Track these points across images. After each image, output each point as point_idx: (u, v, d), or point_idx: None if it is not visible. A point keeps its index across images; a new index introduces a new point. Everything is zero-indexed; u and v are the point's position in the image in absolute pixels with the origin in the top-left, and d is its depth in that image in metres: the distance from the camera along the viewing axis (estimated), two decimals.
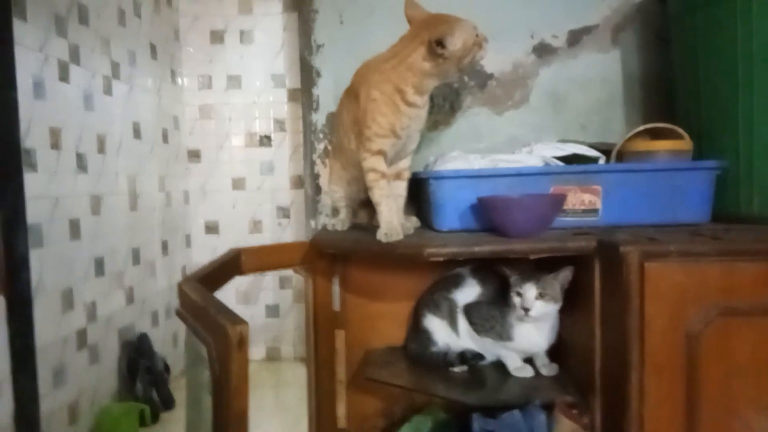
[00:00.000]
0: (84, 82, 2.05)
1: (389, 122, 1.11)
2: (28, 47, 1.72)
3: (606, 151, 1.25)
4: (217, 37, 2.93)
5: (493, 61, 1.51)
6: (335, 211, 1.38)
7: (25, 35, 1.69)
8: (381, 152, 1.13)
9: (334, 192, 1.35)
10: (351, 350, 1.43)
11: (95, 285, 2.10)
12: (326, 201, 1.55)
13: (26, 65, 1.70)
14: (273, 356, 3.03)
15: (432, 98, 1.47)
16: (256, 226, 2.98)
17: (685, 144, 1.19)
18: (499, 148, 1.48)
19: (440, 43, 1.04)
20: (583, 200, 1.14)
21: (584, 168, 1.14)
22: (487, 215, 1.11)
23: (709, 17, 1.17)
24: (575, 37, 1.50)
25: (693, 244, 0.91)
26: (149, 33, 2.60)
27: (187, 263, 2.94)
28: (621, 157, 1.23)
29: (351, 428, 1.43)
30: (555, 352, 1.21)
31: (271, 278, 2.99)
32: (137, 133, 2.46)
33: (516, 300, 1.13)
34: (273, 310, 3.02)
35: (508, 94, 1.52)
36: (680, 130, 1.20)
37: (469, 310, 1.24)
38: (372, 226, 1.30)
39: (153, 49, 2.64)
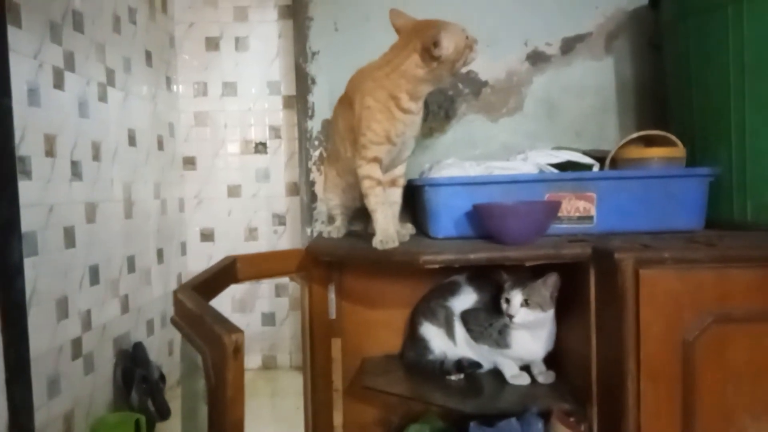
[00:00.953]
0: (79, 89, 2.04)
1: (384, 129, 1.11)
2: (23, 54, 1.72)
3: (600, 158, 1.26)
4: (212, 44, 2.94)
5: (487, 69, 1.52)
6: (331, 219, 1.38)
7: (19, 42, 1.69)
8: (376, 159, 1.13)
9: (330, 200, 1.35)
10: (347, 358, 1.42)
11: (90, 293, 2.09)
12: (322, 208, 1.55)
13: (21, 72, 1.70)
14: (269, 365, 3.02)
15: (427, 105, 1.48)
16: (251, 233, 2.98)
17: (679, 151, 1.19)
18: (493, 155, 1.48)
19: (435, 46, 1.04)
20: (577, 207, 1.14)
21: (578, 175, 1.15)
22: (482, 222, 1.12)
23: (700, 25, 1.18)
24: (569, 45, 1.51)
25: (687, 251, 0.92)
26: (144, 40, 2.60)
27: (182, 271, 2.93)
28: (615, 164, 1.23)
29: None
30: (552, 360, 1.21)
31: (267, 286, 2.99)
32: (132, 140, 2.46)
33: (504, 306, 1.13)
34: (269, 319, 3.01)
35: (502, 101, 1.53)
36: (673, 138, 1.21)
37: (466, 316, 1.24)
38: (368, 234, 1.30)
39: (148, 56, 2.64)
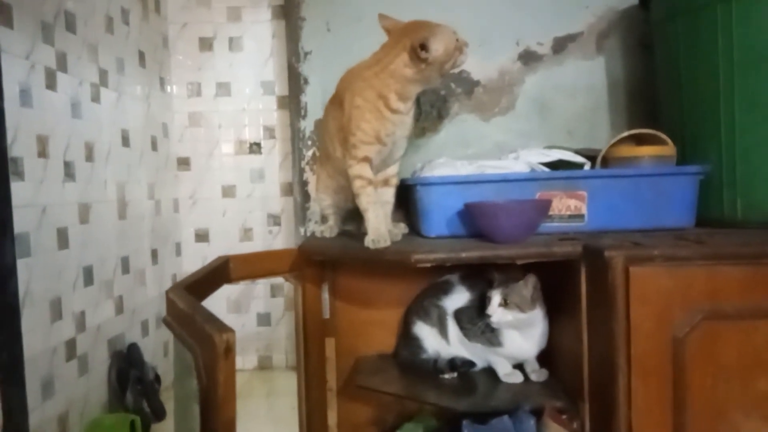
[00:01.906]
0: (71, 89, 2.04)
1: (373, 129, 1.11)
2: (15, 55, 1.71)
3: (591, 156, 1.27)
4: (206, 44, 2.93)
5: (479, 69, 1.52)
6: (324, 218, 1.38)
7: (11, 43, 1.68)
8: (366, 159, 1.13)
9: (322, 200, 1.35)
10: (341, 358, 1.43)
11: (84, 294, 2.08)
12: (315, 208, 1.55)
13: (13, 73, 1.69)
14: (265, 365, 3.01)
15: (419, 105, 1.48)
16: (246, 233, 2.97)
17: (669, 149, 1.20)
18: (486, 154, 1.49)
19: (423, 48, 1.04)
20: (569, 206, 1.14)
21: (569, 174, 1.15)
22: (474, 221, 1.12)
23: (690, 24, 1.19)
24: (560, 44, 1.51)
25: (677, 249, 0.92)
26: (137, 40, 2.59)
27: (177, 272, 2.92)
28: (606, 162, 1.24)
29: None
30: (545, 358, 1.22)
31: (262, 286, 2.98)
32: (126, 140, 2.45)
33: (487, 305, 1.14)
34: (264, 319, 3.00)
35: (494, 100, 1.53)
36: (664, 136, 1.22)
37: (460, 315, 1.25)
38: (361, 233, 1.31)
39: (141, 56, 2.63)
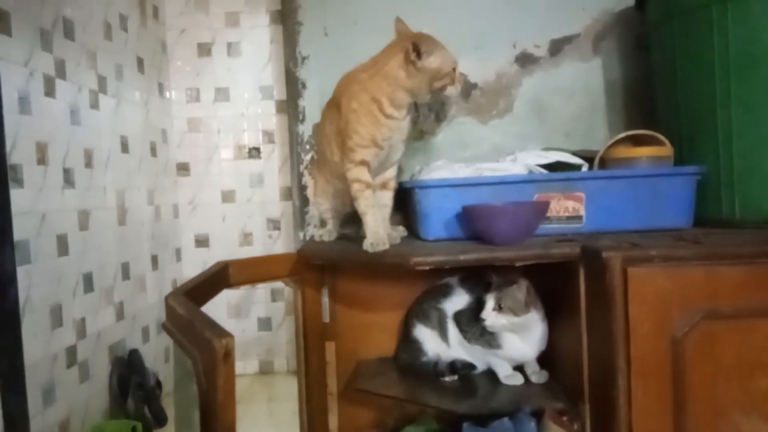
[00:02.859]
0: (70, 96, 2.04)
1: (369, 133, 1.12)
2: (13, 62, 1.72)
3: (589, 158, 1.27)
4: (204, 49, 2.94)
5: (476, 71, 1.53)
6: (323, 222, 1.39)
7: (10, 50, 1.69)
8: (364, 162, 1.14)
9: (320, 204, 1.35)
10: (342, 362, 1.43)
11: (84, 301, 2.09)
12: (314, 212, 1.55)
13: (11, 80, 1.69)
14: (266, 370, 3.01)
15: (417, 109, 1.48)
16: (246, 238, 2.97)
17: (666, 150, 1.20)
18: (484, 156, 1.49)
19: (417, 52, 1.05)
20: (566, 207, 1.15)
21: (567, 175, 1.16)
22: (472, 223, 1.12)
23: (686, 25, 1.19)
24: (557, 47, 1.52)
25: (675, 249, 0.92)
26: (136, 46, 2.60)
27: (177, 277, 2.92)
28: (604, 163, 1.24)
29: None
30: (546, 360, 1.22)
31: (262, 291, 2.98)
32: (125, 147, 2.46)
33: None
34: (265, 323, 3.00)
35: (492, 103, 1.54)
36: (661, 137, 1.22)
37: (459, 317, 1.25)
38: (359, 237, 1.31)
39: (140, 62, 2.63)
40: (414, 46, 1.05)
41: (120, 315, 2.37)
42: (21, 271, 1.69)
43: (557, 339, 1.18)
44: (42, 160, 1.85)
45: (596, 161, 1.24)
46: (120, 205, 2.39)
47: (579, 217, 1.15)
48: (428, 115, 1.54)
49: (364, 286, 1.44)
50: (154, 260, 2.69)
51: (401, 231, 1.29)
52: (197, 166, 2.95)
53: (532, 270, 1.10)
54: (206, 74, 2.93)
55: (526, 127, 1.53)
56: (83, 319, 2.08)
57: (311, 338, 1.37)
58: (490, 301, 1.13)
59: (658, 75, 1.33)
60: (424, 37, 1.09)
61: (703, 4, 1.15)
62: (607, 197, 1.15)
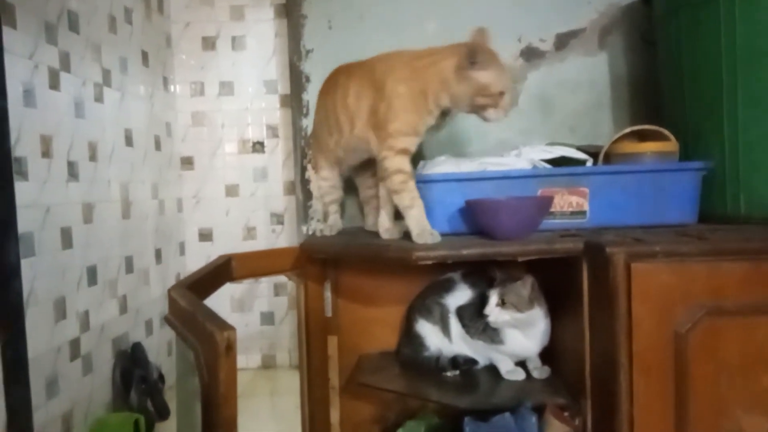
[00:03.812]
0: (74, 89, 2.04)
1: (414, 121, 1.09)
2: (18, 55, 1.72)
3: (594, 153, 1.26)
4: (209, 43, 2.93)
5: None
6: (325, 216, 1.38)
7: (14, 43, 1.69)
8: (406, 151, 1.11)
9: (324, 182, 1.34)
10: (344, 356, 1.43)
11: (88, 294, 2.09)
12: (317, 206, 1.55)
13: (16, 73, 1.70)
14: (269, 364, 3.02)
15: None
16: (249, 232, 2.98)
17: (671, 145, 1.19)
18: (488, 151, 1.48)
19: (473, 60, 1.03)
20: (570, 202, 1.14)
21: (571, 170, 1.15)
22: (475, 218, 1.12)
23: (692, 19, 1.18)
24: (562, 41, 1.51)
25: (679, 245, 0.92)
26: (141, 40, 2.60)
27: (181, 271, 2.93)
28: (608, 159, 1.24)
29: None
30: (548, 355, 1.22)
31: (265, 285, 2.99)
32: (129, 140, 2.46)
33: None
34: (268, 318, 3.01)
35: None
36: (666, 132, 1.21)
37: (462, 312, 1.25)
38: (365, 231, 1.31)
39: (145, 56, 2.64)
40: (470, 54, 1.03)
41: (123, 308, 2.38)
42: (25, 264, 1.70)
43: (560, 334, 1.18)
44: (47, 153, 1.85)
45: (601, 156, 1.23)
46: (124, 198, 2.40)
47: (583, 213, 1.15)
48: None
49: (366, 281, 1.44)
50: (158, 254, 2.70)
51: (404, 225, 1.29)
52: (201, 160, 2.96)
53: (535, 265, 1.09)
54: (211, 68, 2.93)
55: (531, 122, 1.52)
56: (87, 312, 2.08)
57: (313, 332, 1.37)
58: (494, 297, 1.13)
59: (664, 70, 1.32)
60: (486, 50, 1.06)
61: (705, 0, 1.14)
62: (612, 193, 1.14)
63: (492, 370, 1.25)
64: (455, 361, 1.25)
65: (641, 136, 1.23)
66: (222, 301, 2.95)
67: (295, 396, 1.44)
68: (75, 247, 2.01)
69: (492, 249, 1.03)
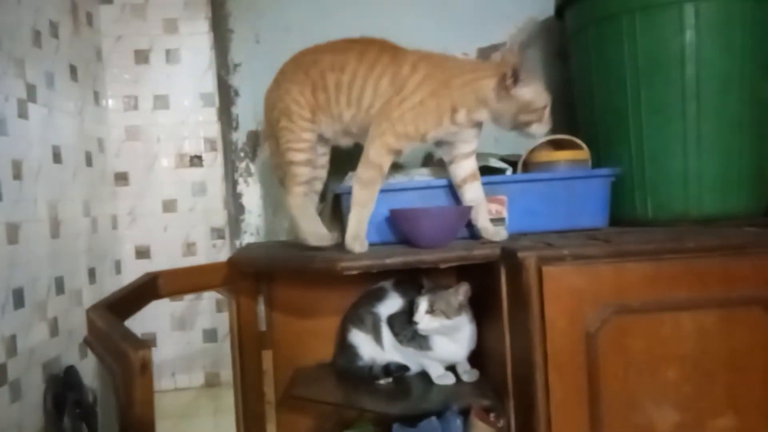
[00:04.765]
0: None
1: (425, 130, 1.09)
2: None
3: (514, 162, 1.31)
4: (142, 56, 2.88)
5: None
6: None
7: None
8: (398, 153, 1.10)
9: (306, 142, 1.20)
10: (281, 370, 1.43)
11: (14, 317, 2.00)
12: (249, 220, 1.54)
13: None
14: (212, 382, 2.96)
15: None
16: (189, 248, 2.92)
17: (584, 154, 1.26)
18: (419, 163, 1.52)
19: (514, 78, 1.05)
20: (490, 210, 1.18)
21: (489, 179, 1.19)
22: (398, 227, 1.14)
23: (599, 34, 1.26)
24: (484, 54, 1.56)
25: (585, 248, 0.97)
26: (69, 54, 2.53)
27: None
28: (527, 167, 1.29)
29: None
30: (477, 359, 1.25)
31: (207, 302, 2.93)
32: (58, 157, 2.38)
33: (414, 312, 1.16)
34: (210, 335, 2.95)
35: None
36: (579, 141, 1.27)
37: (393, 320, 1.27)
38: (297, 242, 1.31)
39: (73, 70, 2.56)
40: (513, 72, 1.04)
41: (54, 331, 2.29)
42: None
43: (486, 338, 1.22)
44: None
45: (519, 165, 1.28)
46: (53, 217, 2.31)
47: (502, 220, 1.19)
48: None
49: (301, 293, 1.44)
50: (92, 273, 2.61)
51: (335, 237, 1.29)
52: (136, 175, 2.89)
53: (463, 271, 1.12)
54: (144, 81, 2.88)
55: None
56: (13, 337, 1.99)
57: (247, 348, 1.36)
58: (423, 304, 1.15)
59: (576, 82, 1.40)
60: (526, 69, 1.07)
61: (614, 13, 1.21)
62: (528, 200, 1.19)
63: (424, 375, 1.27)
64: (388, 369, 1.27)
65: (557, 146, 1.29)
66: (162, 319, 2.88)
67: None
68: None
69: (415, 257, 1.05)
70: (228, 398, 2.77)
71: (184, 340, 2.90)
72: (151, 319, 2.85)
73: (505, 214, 1.19)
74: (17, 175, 2.08)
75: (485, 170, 1.29)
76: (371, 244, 1.20)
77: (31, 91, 2.21)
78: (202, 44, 2.89)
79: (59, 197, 2.37)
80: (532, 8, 1.54)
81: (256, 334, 1.38)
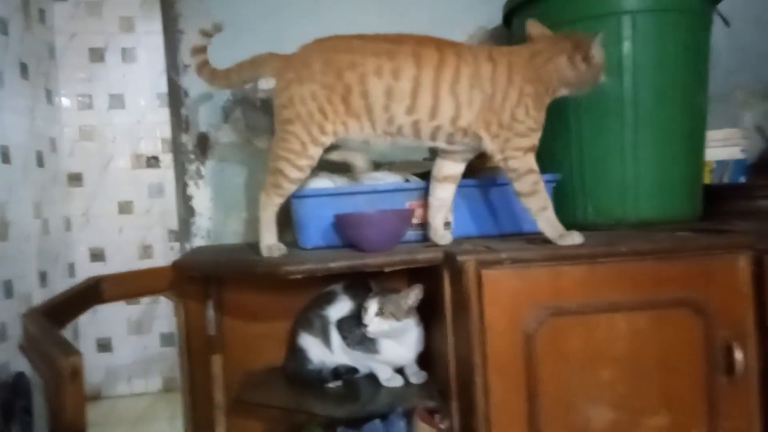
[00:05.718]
0: None
1: (541, 117, 1.09)
2: None
3: None
4: (96, 55, 2.82)
5: None
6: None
7: None
8: (534, 148, 1.09)
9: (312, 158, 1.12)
10: (232, 374, 1.42)
11: None
12: (201, 223, 1.53)
13: None
14: (170, 387, 2.91)
15: None
16: (146, 251, 2.87)
17: None
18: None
19: (585, 50, 1.05)
20: None
21: None
22: (342, 232, 1.15)
23: None
24: None
25: (522, 252, 0.99)
26: (19, 51, 2.46)
27: None
28: (473, 173, 1.31)
29: None
30: (426, 361, 1.26)
31: (164, 305, 2.89)
32: (6, 157, 2.31)
33: (363, 315, 1.17)
34: (168, 339, 2.91)
35: None
36: None
37: (341, 324, 1.27)
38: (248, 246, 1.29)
39: (24, 68, 2.49)
40: (584, 44, 1.05)
41: (3, 336, 2.22)
42: None
43: (432, 340, 1.23)
44: None
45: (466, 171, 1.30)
46: (1, 218, 2.24)
47: (448, 224, 1.21)
48: None
49: (252, 297, 1.44)
50: (43, 277, 2.54)
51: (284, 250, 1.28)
52: (91, 176, 2.83)
53: (411, 275, 1.14)
54: (99, 80, 2.82)
55: None
56: None
57: (195, 352, 1.34)
58: (372, 307, 1.16)
59: None
60: (584, 36, 1.07)
61: (557, 22, 1.24)
62: (473, 205, 1.21)
63: (373, 378, 1.28)
64: (337, 372, 1.28)
65: None
66: (118, 324, 2.82)
67: None
68: None
69: (359, 261, 1.06)
70: None
71: (141, 344, 2.84)
72: (107, 323, 2.79)
73: (450, 218, 1.20)
74: None
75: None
76: (317, 248, 1.21)
77: None
78: (160, 43, 2.83)
79: (7, 198, 2.30)
80: (481, 17, 1.57)
81: (206, 339, 1.37)
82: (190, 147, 1.52)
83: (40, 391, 2.37)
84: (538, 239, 1.10)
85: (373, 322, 1.15)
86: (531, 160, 1.07)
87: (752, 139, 1.66)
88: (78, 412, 0.77)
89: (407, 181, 1.28)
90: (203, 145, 1.53)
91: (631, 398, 1.01)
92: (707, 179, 1.45)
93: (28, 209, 2.46)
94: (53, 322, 0.95)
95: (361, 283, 1.29)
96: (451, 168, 1.16)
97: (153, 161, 2.87)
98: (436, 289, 1.13)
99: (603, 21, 1.19)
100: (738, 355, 0.99)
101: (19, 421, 2.18)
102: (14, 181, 2.36)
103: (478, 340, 0.98)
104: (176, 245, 2.89)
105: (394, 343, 1.20)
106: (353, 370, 1.28)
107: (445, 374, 1.13)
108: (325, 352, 1.30)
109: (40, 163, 2.58)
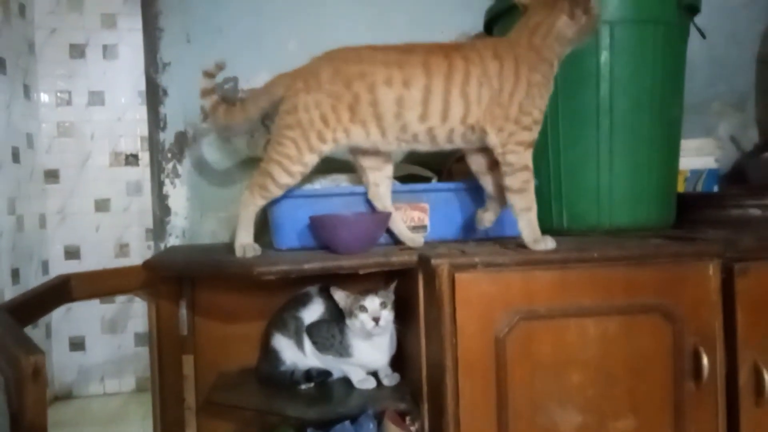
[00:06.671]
0: None
1: (544, 106, 1.07)
2: None
3: (441, 171, 1.34)
4: (77, 51, 2.78)
5: None
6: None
7: None
8: (533, 144, 1.07)
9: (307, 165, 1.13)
10: (204, 375, 1.40)
11: None
12: (176, 222, 1.51)
13: None
14: (143, 387, 2.87)
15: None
16: (122, 249, 2.84)
17: None
18: (349, 169, 1.52)
19: (587, 5, 1.04)
20: (413, 217, 1.20)
21: (411, 187, 1.21)
22: (317, 233, 1.15)
23: None
24: None
25: (496, 256, 1.00)
26: None
27: None
28: (451, 177, 1.32)
29: None
30: (400, 363, 1.26)
31: (140, 305, 2.85)
32: None
33: (362, 315, 1.15)
34: (143, 339, 2.87)
35: None
36: None
37: (311, 329, 1.27)
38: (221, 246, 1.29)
39: (2, 62, 2.45)
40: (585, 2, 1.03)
41: None
42: None
43: (406, 342, 1.23)
44: None
45: (444, 174, 1.31)
46: None
47: (424, 227, 1.21)
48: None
49: (226, 297, 1.42)
50: (15, 274, 2.50)
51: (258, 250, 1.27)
52: (68, 172, 2.78)
53: (389, 277, 1.14)
54: (79, 77, 2.78)
55: None
56: None
57: (167, 352, 1.33)
58: (375, 301, 1.14)
59: None
60: None
61: None
62: (449, 208, 1.22)
63: (346, 380, 1.27)
64: (309, 374, 1.27)
65: None
66: (91, 323, 2.78)
67: None
68: None
69: (333, 263, 1.06)
70: None
71: (115, 343, 2.80)
72: (80, 321, 2.75)
73: (427, 221, 1.21)
74: None
75: (410, 178, 1.31)
76: (292, 249, 1.20)
77: None
78: (141, 41, 2.81)
79: None
80: (463, 23, 1.58)
81: (177, 339, 1.36)
82: (167, 146, 1.51)
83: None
84: (512, 243, 1.10)
85: (383, 315, 1.14)
86: (528, 157, 1.07)
87: (726, 150, 1.69)
88: (39, 412, 0.75)
89: None
90: (181, 144, 1.51)
91: (599, 402, 1.02)
92: (681, 188, 1.48)
93: (2, 205, 2.41)
94: (19, 319, 0.93)
95: (337, 285, 1.29)
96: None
97: (132, 159, 2.84)
98: (411, 292, 1.14)
99: None
100: (705, 360, 1.00)
101: None
102: None
103: (449, 343, 0.98)
104: (154, 244, 2.86)
105: (368, 347, 1.20)
106: (326, 374, 1.28)
107: (416, 377, 1.13)
108: (297, 354, 1.30)
109: (16, 159, 2.54)
